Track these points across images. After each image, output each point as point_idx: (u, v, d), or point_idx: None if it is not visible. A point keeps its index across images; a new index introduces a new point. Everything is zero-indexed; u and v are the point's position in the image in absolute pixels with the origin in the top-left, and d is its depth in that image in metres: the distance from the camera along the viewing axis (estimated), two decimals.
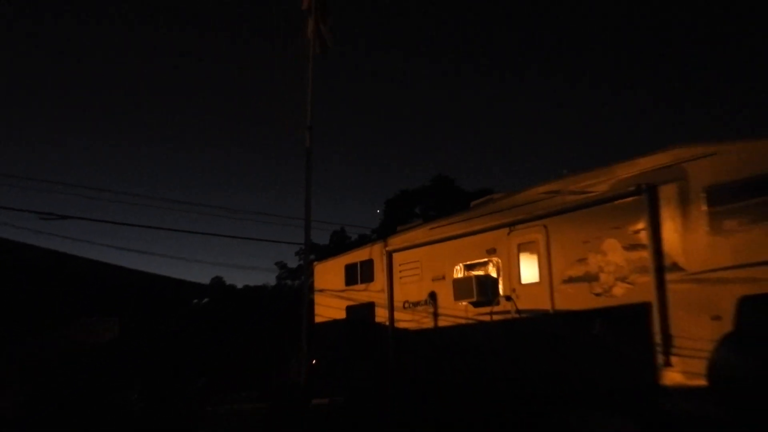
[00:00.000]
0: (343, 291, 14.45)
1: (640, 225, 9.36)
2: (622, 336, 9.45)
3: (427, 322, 12.39)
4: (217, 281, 38.77)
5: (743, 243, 8.28)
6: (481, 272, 11.46)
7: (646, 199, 9.29)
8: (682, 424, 8.51)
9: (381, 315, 13.36)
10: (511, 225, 11.16)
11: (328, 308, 14.72)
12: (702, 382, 8.24)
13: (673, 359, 8.83)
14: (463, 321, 11.68)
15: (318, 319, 14.98)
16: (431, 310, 12.32)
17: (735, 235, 8.40)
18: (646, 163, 9.47)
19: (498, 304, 11.11)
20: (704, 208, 8.71)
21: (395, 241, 13.55)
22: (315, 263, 16.06)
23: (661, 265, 9.09)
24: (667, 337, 8.91)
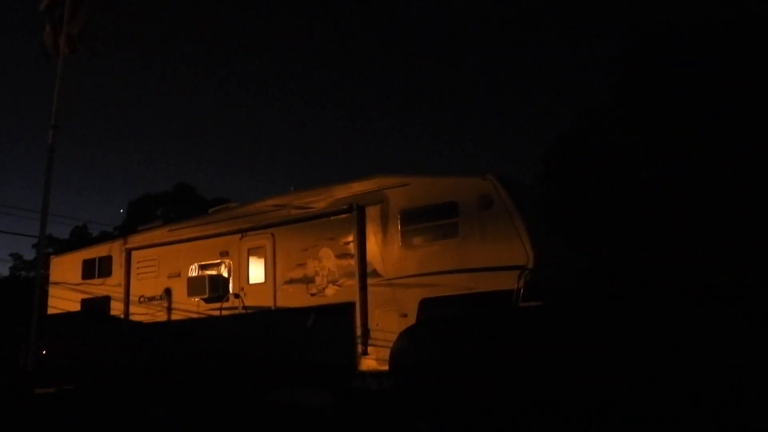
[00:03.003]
0: (79, 285, 13.28)
1: (350, 238, 9.88)
2: (330, 329, 9.85)
3: (161, 316, 11.86)
4: None
5: (425, 256, 9.15)
6: (214, 272, 11.27)
7: (356, 216, 9.83)
8: (368, 398, 9.13)
9: (116, 308, 12.53)
10: (243, 231, 11.13)
11: (63, 301, 13.41)
12: (387, 366, 8.89)
13: (370, 348, 9.43)
14: (194, 315, 11.37)
15: (51, 311, 13.57)
16: (165, 304, 11.82)
17: (419, 249, 9.25)
18: (357, 187, 10.04)
19: (227, 300, 11.00)
20: (399, 227, 9.47)
21: (135, 240, 12.82)
22: (52, 257, 14.59)
23: (364, 272, 9.68)
24: (365, 331, 9.49)
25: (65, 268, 13.78)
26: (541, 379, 7.39)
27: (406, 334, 8.41)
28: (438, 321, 8.53)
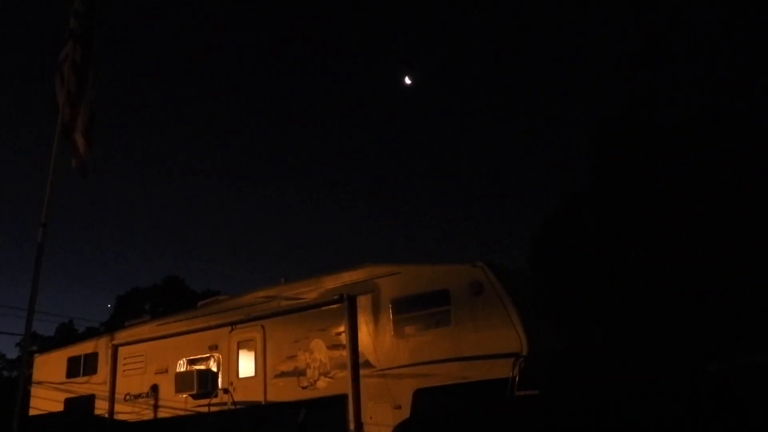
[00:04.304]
0: (63, 383, 12.93)
1: (342, 328, 9.75)
2: (322, 423, 9.58)
3: (148, 414, 11.50)
4: None
5: (417, 345, 9.03)
6: (202, 367, 11.03)
7: (347, 306, 9.73)
8: None
9: (101, 407, 12.16)
10: (232, 324, 10.98)
11: (46, 401, 13.01)
12: None
13: None
14: (182, 412, 11.04)
15: (33, 412, 13.14)
16: (152, 402, 11.48)
17: (412, 338, 9.14)
18: (348, 277, 10.01)
19: (216, 396, 10.72)
20: (390, 316, 9.38)
21: (122, 336, 12.62)
22: (36, 355, 14.29)
23: (356, 363, 9.48)
24: (359, 424, 9.21)
25: (49, 366, 13.45)
26: None
27: (401, 428, 8.19)
28: (433, 414, 8.34)
